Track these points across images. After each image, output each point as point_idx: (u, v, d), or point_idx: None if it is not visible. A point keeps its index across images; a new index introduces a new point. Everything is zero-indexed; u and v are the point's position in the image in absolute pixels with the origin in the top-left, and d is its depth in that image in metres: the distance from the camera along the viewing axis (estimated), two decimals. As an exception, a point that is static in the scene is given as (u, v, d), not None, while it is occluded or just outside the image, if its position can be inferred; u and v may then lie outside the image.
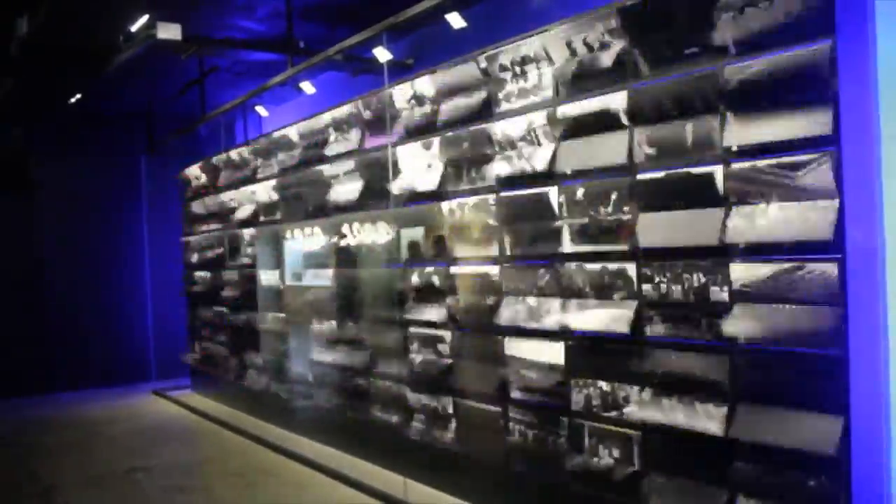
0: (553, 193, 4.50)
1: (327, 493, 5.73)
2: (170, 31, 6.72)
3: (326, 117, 6.75)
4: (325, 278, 6.98)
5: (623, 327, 4.07)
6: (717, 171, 3.61)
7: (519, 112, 4.72)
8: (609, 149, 4.17)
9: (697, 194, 3.72)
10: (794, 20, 3.31)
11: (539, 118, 4.57)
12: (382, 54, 6.30)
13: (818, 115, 3.23)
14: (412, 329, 5.75)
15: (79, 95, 9.20)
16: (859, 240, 3.17)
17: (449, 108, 5.32)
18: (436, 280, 5.54)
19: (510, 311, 4.86)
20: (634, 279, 4.06)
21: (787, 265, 3.34)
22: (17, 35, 6.90)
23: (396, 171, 5.78)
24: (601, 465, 4.27)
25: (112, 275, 11.18)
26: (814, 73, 3.24)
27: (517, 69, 4.74)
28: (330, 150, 6.70)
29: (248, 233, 8.53)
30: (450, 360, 5.45)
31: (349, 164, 6.42)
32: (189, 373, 10.45)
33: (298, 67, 6.96)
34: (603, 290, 4.26)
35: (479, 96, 5.02)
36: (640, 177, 4.01)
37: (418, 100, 5.59)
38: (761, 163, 3.43)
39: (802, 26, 3.28)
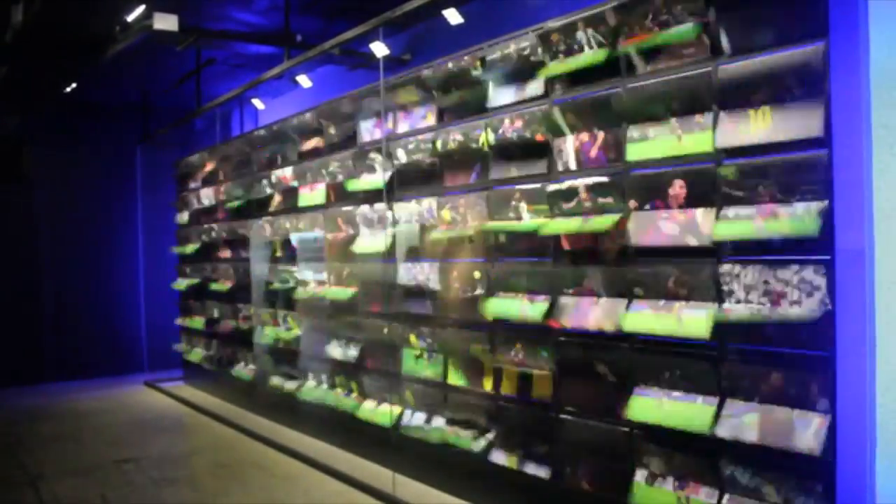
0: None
1: (317, 486, 5.73)
2: (166, 22, 6.70)
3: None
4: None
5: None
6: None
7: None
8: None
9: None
10: (788, 21, 3.32)
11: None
12: (379, 49, 6.29)
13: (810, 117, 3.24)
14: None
15: (74, 85, 9.18)
16: (848, 241, 3.18)
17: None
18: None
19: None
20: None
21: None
22: (12, 23, 6.87)
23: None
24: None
25: (106, 265, 11.16)
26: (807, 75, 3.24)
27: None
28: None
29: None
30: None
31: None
32: (182, 364, 10.44)
33: (295, 60, 6.96)
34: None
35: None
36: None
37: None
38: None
39: (795, 27, 3.28)
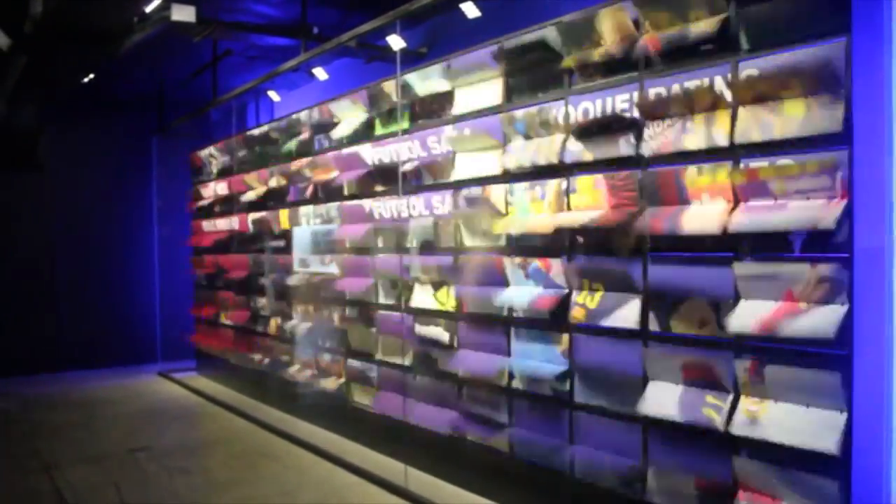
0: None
1: (328, 477, 5.75)
2: (184, 13, 6.71)
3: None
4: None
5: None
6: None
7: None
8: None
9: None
10: (810, 17, 3.28)
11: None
12: (396, 42, 6.28)
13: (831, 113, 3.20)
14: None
15: (92, 76, 9.21)
16: (868, 239, 3.15)
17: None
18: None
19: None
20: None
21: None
22: (31, 14, 6.90)
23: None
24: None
25: (120, 255, 11.23)
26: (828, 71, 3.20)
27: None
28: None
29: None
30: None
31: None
32: (195, 355, 10.49)
33: (311, 53, 6.96)
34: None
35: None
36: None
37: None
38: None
39: (818, 23, 3.25)
